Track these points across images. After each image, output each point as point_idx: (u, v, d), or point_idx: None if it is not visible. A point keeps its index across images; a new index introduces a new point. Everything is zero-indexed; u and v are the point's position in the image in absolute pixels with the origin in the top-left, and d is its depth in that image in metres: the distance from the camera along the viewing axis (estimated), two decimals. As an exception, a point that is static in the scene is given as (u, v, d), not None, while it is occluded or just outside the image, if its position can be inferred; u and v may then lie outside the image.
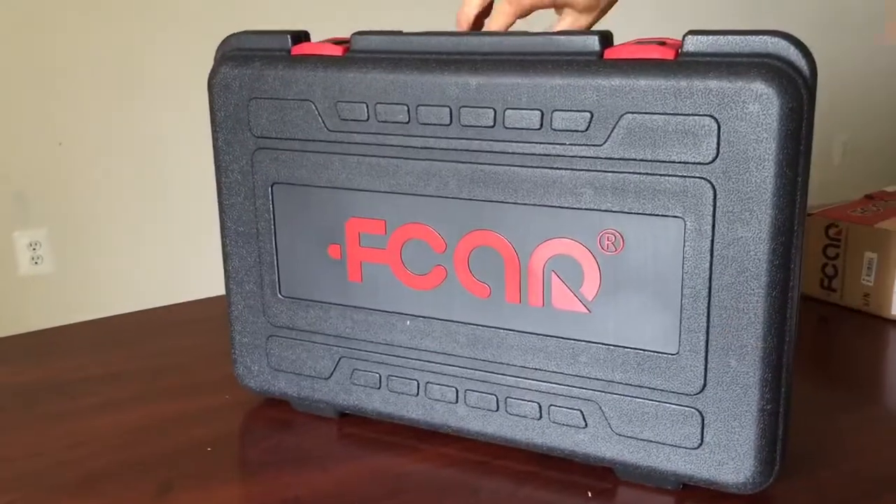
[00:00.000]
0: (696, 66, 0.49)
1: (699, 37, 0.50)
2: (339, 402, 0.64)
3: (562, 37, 0.53)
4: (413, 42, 0.57)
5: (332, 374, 0.64)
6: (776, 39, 0.48)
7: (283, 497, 0.56)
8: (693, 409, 0.52)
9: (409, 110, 0.56)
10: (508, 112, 0.53)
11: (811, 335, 0.83)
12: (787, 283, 0.49)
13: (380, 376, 0.62)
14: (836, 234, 0.85)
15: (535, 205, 0.54)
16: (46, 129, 2.05)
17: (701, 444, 0.53)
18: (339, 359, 0.63)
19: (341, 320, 0.62)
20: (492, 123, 0.54)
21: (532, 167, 0.53)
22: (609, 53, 0.52)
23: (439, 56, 0.56)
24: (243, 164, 0.62)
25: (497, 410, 0.59)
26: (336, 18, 1.99)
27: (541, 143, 0.53)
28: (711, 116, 0.48)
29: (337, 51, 0.59)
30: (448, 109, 0.55)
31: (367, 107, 0.57)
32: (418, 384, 0.61)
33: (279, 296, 0.64)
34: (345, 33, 0.62)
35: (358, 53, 0.58)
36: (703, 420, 0.52)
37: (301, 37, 0.61)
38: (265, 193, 0.62)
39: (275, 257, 0.63)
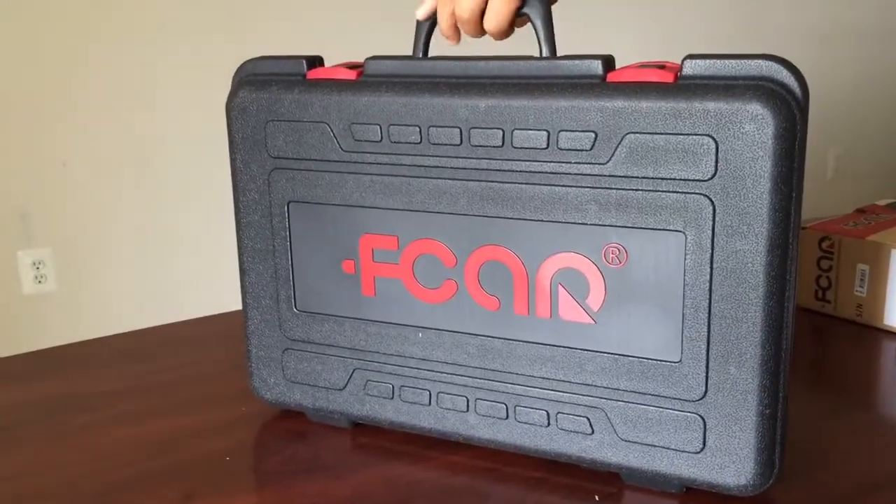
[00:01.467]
0: (694, 88, 0.52)
1: (697, 60, 0.53)
2: (352, 412, 0.66)
3: (566, 61, 0.56)
4: (424, 66, 0.60)
5: (346, 385, 0.66)
6: (770, 63, 0.51)
7: (301, 504, 0.58)
8: (695, 415, 0.55)
9: (420, 131, 0.58)
10: (516, 132, 0.56)
11: (807, 345, 0.85)
12: (783, 293, 0.52)
13: (392, 387, 0.64)
14: (829, 247, 0.88)
15: (542, 220, 0.57)
16: (50, 150, 2.08)
17: (703, 449, 0.55)
18: (353, 370, 0.65)
19: (355, 333, 0.65)
20: (500, 143, 0.56)
21: (539, 185, 0.56)
22: (612, 77, 0.54)
23: (449, 80, 0.58)
24: (260, 184, 0.65)
25: (506, 418, 0.61)
26: (348, 40, 2.01)
27: (547, 161, 0.55)
28: (710, 136, 0.51)
29: (351, 75, 0.61)
30: (458, 130, 0.57)
31: (381, 128, 0.59)
32: (430, 394, 0.63)
33: (295, 310, 0.66)
34: (357, 55, 0.65)
35: (371, 77, 0.61)
36: (704, 425, 0.55)
37: (315, 61, 0.64)
38: (281, 212, 0.64)
39: (290, 273, 0.66)
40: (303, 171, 0.63)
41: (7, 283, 2.09)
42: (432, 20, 0.62)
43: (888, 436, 0.68)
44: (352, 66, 0.62)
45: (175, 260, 2.24)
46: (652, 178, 0.53)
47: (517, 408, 0.60)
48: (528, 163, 0.56)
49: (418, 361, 0.63)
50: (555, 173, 0.55)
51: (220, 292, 1.99)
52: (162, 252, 2.23)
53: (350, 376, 0.66)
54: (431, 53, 0.62)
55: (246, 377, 0.70)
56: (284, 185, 0.64)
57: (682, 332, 0.54)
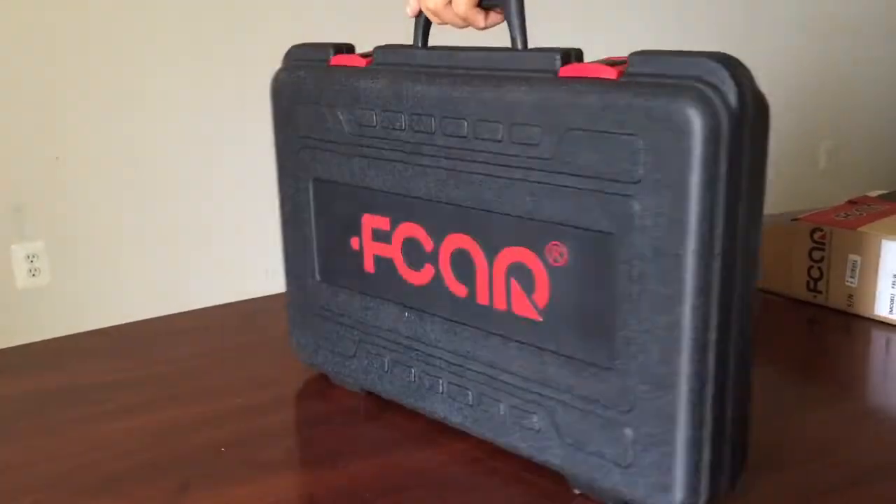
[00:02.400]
0: (630, 86, 0.49)
1: (642, 56, 0.50)
2: (360, 381, 0.71)
3: (529, 53, 0.55)
4: (420, 56, 0.62)
5: (354, 354, 0.70)
6: (709, 62, 0.47)
7: (298, 495, 0.60)
8: (625, 428, 0.53)
9: (403, 118, 0.61)
10: (479, 123, 0.56)
11: (798, 335, 0.87)
12: (707, 308, 0.48)
13: (385, 361, 0.67)
14: (820, 238, 0.88)
15: (497, 212, 0.57)
16: (44, 143, 2.06)
17: (632, 464, 0.53)
18: (359, 341, 0.69)
19: (360, 306, 0.69)
20: (465, 134, 0.57)
21: (495, 177, 0.56)
22: (564, 72, 0.53)
23: (431, 69, 0.60)
24: (293, 161, 0.71)
25: (472, 406, 0.62)
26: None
27: (502, 154, 0.55)
28: (638, 136, 0.48)
29: (361, 62, 0.65)
30: (433, 119, 0.59)
31: (375, 114, 0.63)
32: (413, 372, 0.65)
33: (317, 279, 0.72)
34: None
35: (376, 66, 0.64)
36: (632, 439, 0.52)
37: (343, 48, 0.68)
38: (306, 187, 0.70)
39: (313, 245, 0.71)
40: (322, 151, 0.68)
41: (1, 277, 2.07)
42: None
43: (878, 425, 0.68)
44: (367, 55, 0.66)
45: (169, 253, 2.23)
46: (588, 176, 0.51)
47: (482, 396, 0.61)
48: (486, 154, 0.56)
49: (406, 339, 0.66)
50: (508, 166, 0.55)
51: (215, 285, 2.07)
52: (156, 245, 2.22)
53: (357, 346, 0.70)
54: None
55: (239, 368, 0.76)
56: (309, 163, 0.69)
57: (614, 341, 0.52)
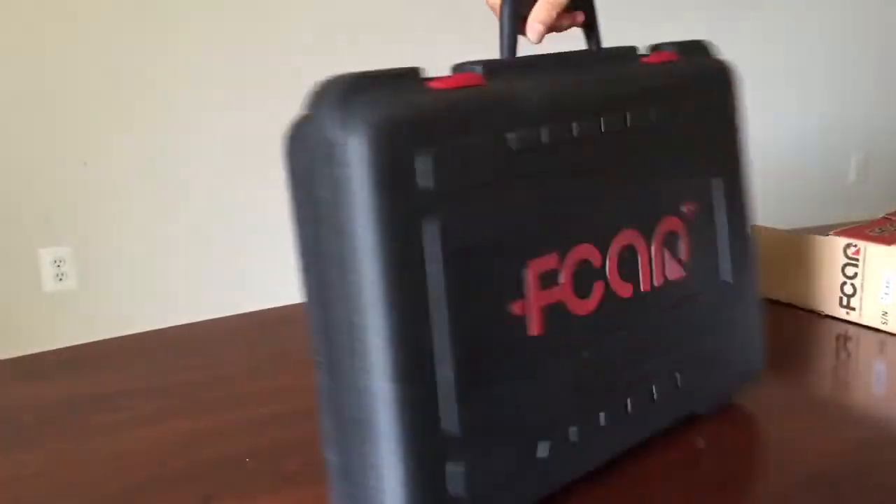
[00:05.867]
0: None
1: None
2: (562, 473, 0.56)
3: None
4: (539, 62, 0.57)
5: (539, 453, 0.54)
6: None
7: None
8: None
9: (573, 126, 0.54)
10: (637, 113, 0.58)
11: (830, 352, 0.86)
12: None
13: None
14: (854, 254, 0.87)
15: (652, 190, 0.60)
16: (71, 149, 2.09)
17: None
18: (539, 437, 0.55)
19: (528, 391, 0.53)
20: (626, 125, 0.57)
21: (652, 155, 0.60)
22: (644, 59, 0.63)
23: (565, 71, 0.58)
24: (403, 239, 0.48)
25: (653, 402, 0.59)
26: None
27: (650, 134, 0.59)
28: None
29: (476, 80, 0.52)
30: (597, 117, 0.55)
31: (542, 130, 0.53)
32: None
33: (453, 428, 0.55)
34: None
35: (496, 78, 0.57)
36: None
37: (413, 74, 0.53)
38: (439, 271, 0.50)
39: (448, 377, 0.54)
40: (461, 201, 0.50)
41: (28, 281, 2.11)
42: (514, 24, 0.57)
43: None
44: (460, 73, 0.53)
45: (195, 260, 2.23)
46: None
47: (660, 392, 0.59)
48: (643, 136, 0.58)
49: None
50: (660, 146, 0.59)
51: (240, 293, 2.01)
52: (182, 251, 2.22)
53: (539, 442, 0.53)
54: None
55: (264, 378, 0.73)
56: (437, 230, 0.48)
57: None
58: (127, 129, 2.12)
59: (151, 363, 0.82)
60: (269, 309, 0.93)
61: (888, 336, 0.84)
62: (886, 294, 0.85)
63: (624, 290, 0.57)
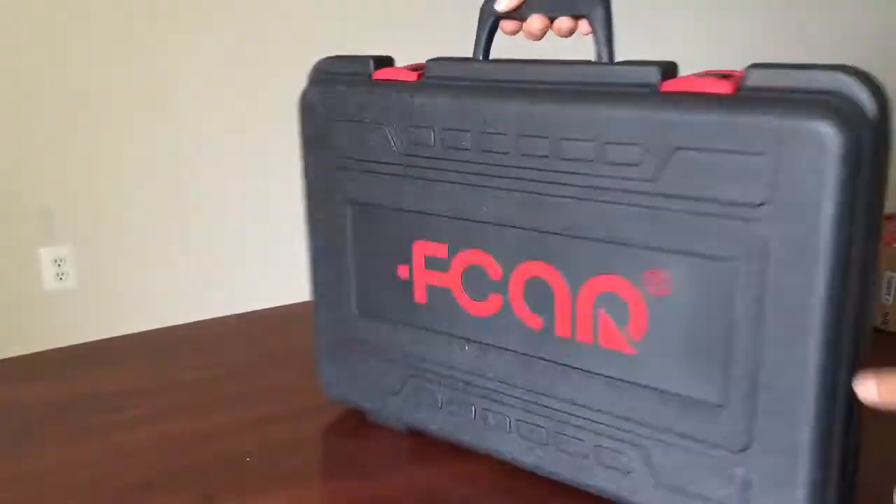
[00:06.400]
0: (752, 101, 0.46)
1: (761, 70, 0.47)
2: (406, 418, 0.65)
3: (622, 67, 0.51)
4: (483, 69, 0.58)
5: (400, 390, 0.65)
6: (842, 75, 0.44)
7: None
8: (736, 469, 0.49)
9: (470, 137, 0.56)
10: (564, 142, 0.52)
11: None
12: (838, 342, 0.45)
13: (440, 398, 0.62)
14: None
15: (585, 238, 0.53)
16: (72, 147, 2.07)
17: (745, 507, 0.49)
18: (407, 377, 0.64)
19: (408, 339, 0.63)
20: (547, 154, 0.53)
21: (584, 199, 0.52)
22: (667, 86, 0.49)
23: (503, 84, 0.56)
24: (326, 183, 0.65)
25: (547, 444, 0.57)
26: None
27: (594, 175, 0.51)
28: (764, 156, 0.45)
29: (412, 76, 0.60)
30: (507, 137, 0.54)
31: (434, 132, 0.58)
32: (474, 409, 0.61)
33: (354, 311, 0.66)
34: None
35: (430, 80, 0.59)
36: (743, 480, 0.49)
37: (384, 62, 0.63)
38: (344, 212, 0.64)
39: (350, 274, 0.65)
40: (364, 172, 0.62)
41: (29, 280, 2.10)
42: (495, 21, 0.59)
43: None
44: (415, 68, 0.61)
45: (195, 260, 2.21)
46: (702, 199, 0.47)
47: (558, 435, 0.57)
48: (573, 175, 0.52)
49: (464, 374, 0.61)
50: (600, 188, 0.51)
51: (241, 292, 1.94)
52: (183, 251, 2.20)
53: (404, 382, 0.64)
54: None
55: (266, 377, 0.71)
56: (347, 186, 0.64)
57: (726, 373, 0.48)
58: (128, 128, 2.11)
59: (151, 363, 0.82)
60: (268, 309, 0.94)
61: (888, 336, 0.84)
62: (887, 294, 0.84)
63: (531, 320, 0.56)
